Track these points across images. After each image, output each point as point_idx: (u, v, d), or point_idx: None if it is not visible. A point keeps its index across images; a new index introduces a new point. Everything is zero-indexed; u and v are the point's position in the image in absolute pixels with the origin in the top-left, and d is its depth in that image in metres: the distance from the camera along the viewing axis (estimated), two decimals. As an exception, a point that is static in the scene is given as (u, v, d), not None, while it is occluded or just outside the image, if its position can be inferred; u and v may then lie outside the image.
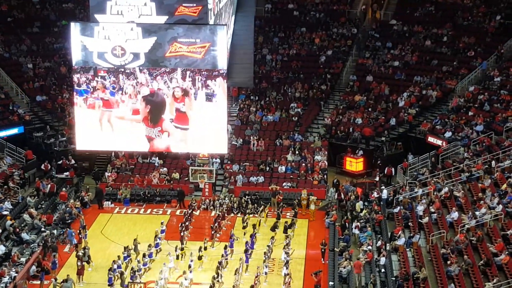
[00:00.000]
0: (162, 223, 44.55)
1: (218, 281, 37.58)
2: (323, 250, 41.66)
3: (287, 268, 39.19)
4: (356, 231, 43.06)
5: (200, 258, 40.63)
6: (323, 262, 40.97)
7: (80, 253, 40.06)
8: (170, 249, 42.02)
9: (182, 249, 41.69)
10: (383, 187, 48.93)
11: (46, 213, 46.55)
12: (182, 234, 43.07)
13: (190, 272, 38.34)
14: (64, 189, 51.43)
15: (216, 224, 45.01)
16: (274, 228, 45.04)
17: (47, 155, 54.43)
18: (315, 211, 46.81)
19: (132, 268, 39.02)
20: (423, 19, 65.48)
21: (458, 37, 62.02)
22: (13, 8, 66.89)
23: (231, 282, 37.83)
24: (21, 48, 63.53)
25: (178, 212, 49.18)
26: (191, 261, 39.45)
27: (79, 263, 39.58)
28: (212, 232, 44.36)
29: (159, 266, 39.69)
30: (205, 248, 41.40)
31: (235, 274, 38.17)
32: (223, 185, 52.25)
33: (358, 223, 43.34)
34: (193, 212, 48.14)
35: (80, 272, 39.33)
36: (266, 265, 39.70)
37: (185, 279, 37.77)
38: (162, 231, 43.69)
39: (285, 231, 44.41)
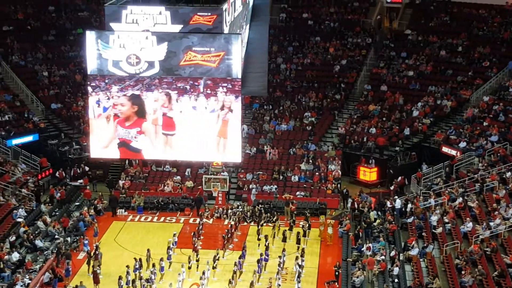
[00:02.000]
0: (174, 235, 44.38)
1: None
2: (337, 273, 40.41)
3: (299, 282, 39.07)
4: (368, 252, 41.80)
5: (214, 267, 40.62)
6: (337, 285, 39.83)
7: (97, 270, 40.07)
8: (183, 259, 41.94)
9: (197, 260, 41.62)
10: (396, 197, 48.81)
11: (62, 217, 47.12)
12: (195, 245, 43.04)
13: (204, 279, 38.46)
14: (88, 186, 52.24)
15: (228, 235, 44.94)
16: (284, 239, 44.88)
17: (62, 162, 54.62)
18: (332, 234, 45.86)
19: (141, 278, 39.03)
20: (438, 29, 65.40)
21: (473, 47, 61.92)
22: (29, 16, 67.29)
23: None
24: (37, 56, 63.85)
25: (191, 220, 49.12)
26: (207, 270, 39.49)
27: (97, 271, 39.78)
28: (224, 242, 44.30)
29: (171, 277, 39.73)
30: (218, 259, 41.37)
31: (250, 287, 38.03)
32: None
33: (370, 244, 42.33)
34: (206, 220, 48.21)
35: (96, 281, 39.39)
36: (279, 277, 39.60)
37: (201, 286, 38.01)
38: (175, 243, 43.61)
39: (297, 242, 44.25)
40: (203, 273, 39.03)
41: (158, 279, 39.77)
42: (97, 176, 54.47)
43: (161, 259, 40.65)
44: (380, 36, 67.22)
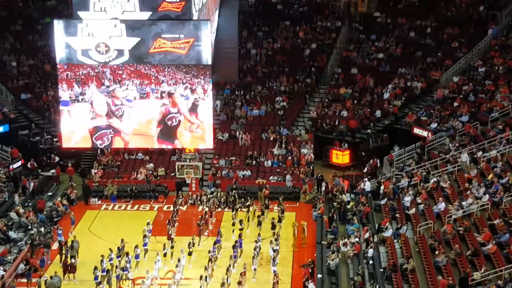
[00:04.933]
0: (148, 223, 44.08)
1: (206, 277, 37.72)
2: (309, 270, 38.98)
3: (274, 266, 39.17)
4: (344, 249, 40.56)
5: (190, 254, 40.64)
6: (312, 282, 38.15)
7: (72, 260, 39.92)
8: (158, 247, 41.90)
9: (172, 247, 41.58)
10: (366, 179, 48.99)
11: (38, 199, 47.90)
12: (169, 232, 43.00)
13: (180, 266, 38.52)
14: (70, 163, 52.81)
15: (202, 221, 44.87)
16: (259, 223, 44.92)
17: (33, 153, 54.26)
18: (306, 236, 44.20)
19: (116, 266, 38.95)
20: (407, 11, 65.56)
21: (441, 28, 62.14)
22: (-4, 6, 66.77)
23: (220, 278, 37.86)
24: (5, 46, 63.29)
25: (165, 208, 48.96)
26: (183, 257, 39.49)
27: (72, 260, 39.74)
28: (200, 229, 44.22)
29: (147, 265, 39.77)
30: (193, 245, 41.38)
31: (226, 272, 37.96)
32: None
33: (347, 240, 41.16)
34: (180, 207, 48.15)
35: (72, 271, 39.20)
36: (255, 262, 39.66)
37: (177, 273, 38.18)
38: (149, 231, 43.33)
39: (272, 227, 44.20)
40: (179, 260, 39.03)
41: (133, 266, 39.71)
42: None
43: (136, 247, 40.56)
44: (349, 19, 67.23)
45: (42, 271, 39.61)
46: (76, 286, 39.13)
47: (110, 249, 40.41)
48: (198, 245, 42.86)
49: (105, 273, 38.11)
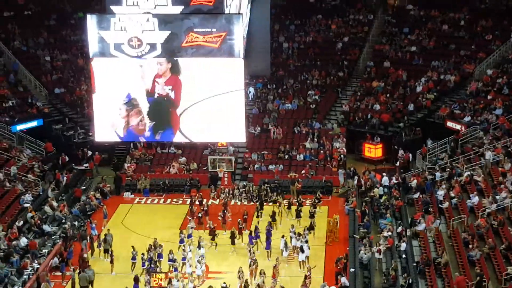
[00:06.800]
0: (190, 220, 44.20)
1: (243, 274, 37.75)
2: (339, 266, 38.55)
3: (306, 259, 39.35)
4: (378, 256, 39.47)
5: (233, 244, 41.37)
6: (344, 276, 37.74)
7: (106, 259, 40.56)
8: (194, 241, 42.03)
9: (213, 238, 41.76)
10: (384, 174, 48.81)
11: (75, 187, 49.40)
12: (209, 225, 43.05)
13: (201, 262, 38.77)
14: (97, 152, 53.87)
15: (223, 215, 44.75)
16: (298, 213, 44.88)
17: (67, 147, 54.67)
18: (338, 230, 44.02)
19: (152, 259, 39.18)
20: (440, 3, 65.11)
21: (475, 20, 61.70)
22: (29, 1, 67.16)
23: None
24: (38, 41, 63.79)
25: (197, 201, 49.06)
26: (200, 247, 39.81)
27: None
28: (222, 224, 44.18)
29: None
30: (235, 237, 41.80)
31: (260, 274, 37.50)
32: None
33: (380, 247, 39.88)
34: (212, 201, 48.35)
35: (84, 266, 39.18)
36: (288, 254, 39.80)
37: (199, 267, 38.40)
38: (189, 236, 42.69)
39: (310, 228, 43.55)
40: (202, 256, 39.16)
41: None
42: (102, 160, 54.51)
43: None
44: (382, 12, 66.97)
45: (70, 263, 39.84)
46: (113, 278, 39.44)
47: (133, 247, 40.23)
48: (224, 232, 42.98)
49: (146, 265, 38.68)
